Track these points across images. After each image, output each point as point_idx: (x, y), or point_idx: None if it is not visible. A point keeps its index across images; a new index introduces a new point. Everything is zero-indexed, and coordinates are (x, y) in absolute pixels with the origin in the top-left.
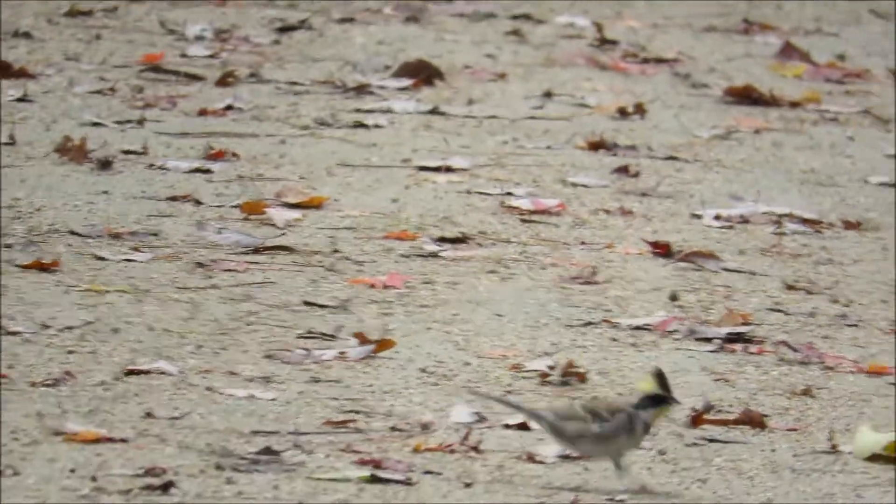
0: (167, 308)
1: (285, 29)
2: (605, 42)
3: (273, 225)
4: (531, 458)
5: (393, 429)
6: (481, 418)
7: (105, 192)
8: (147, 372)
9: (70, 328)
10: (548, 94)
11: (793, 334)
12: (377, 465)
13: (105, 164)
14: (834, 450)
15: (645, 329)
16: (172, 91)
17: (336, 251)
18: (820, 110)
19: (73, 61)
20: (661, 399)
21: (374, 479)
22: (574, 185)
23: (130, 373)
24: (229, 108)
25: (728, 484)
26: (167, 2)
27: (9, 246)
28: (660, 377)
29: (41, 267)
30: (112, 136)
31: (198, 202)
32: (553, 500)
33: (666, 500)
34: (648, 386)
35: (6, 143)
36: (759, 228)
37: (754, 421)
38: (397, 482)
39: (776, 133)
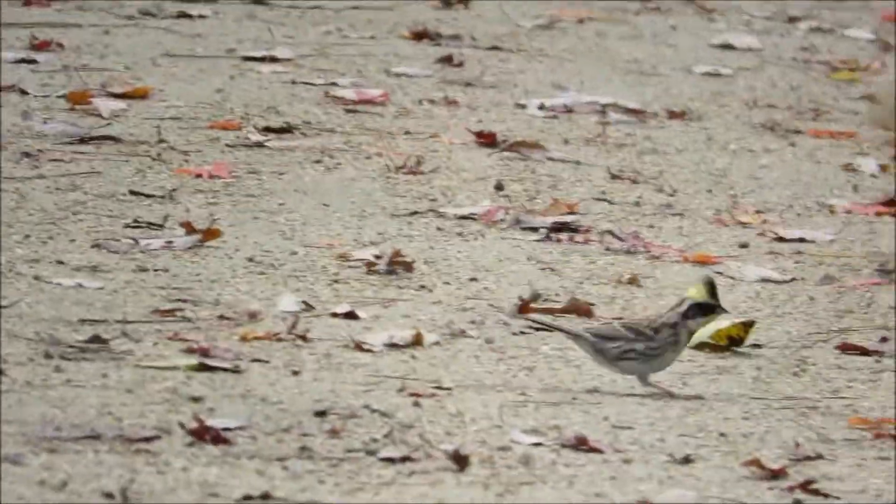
0: None
1: None
2: None
3: (98, 115)
4: (358, 347)
5: (220, 317)
6: (308, 307)
7: None
8: None
9: None
10: None
11: (618, 223)
12: (205, 353)
13: None
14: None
15: (471, 218)
16: None
17: (162, 141)
18: (643, 0)
19: None
20: (710, 307)
21: (202, 367)
22: (398, 75)
23: None
24: None
25: (555, 372)
26: None
27: None
28: (710, 285)
29: None
30: None
31: (23, 92)
32: (380, 388)
33: (492, 389)
34: (698, 293)
35: None
36: (583, 118)
37: (581, 310)
38: (225, 370)
39: (599, 23)
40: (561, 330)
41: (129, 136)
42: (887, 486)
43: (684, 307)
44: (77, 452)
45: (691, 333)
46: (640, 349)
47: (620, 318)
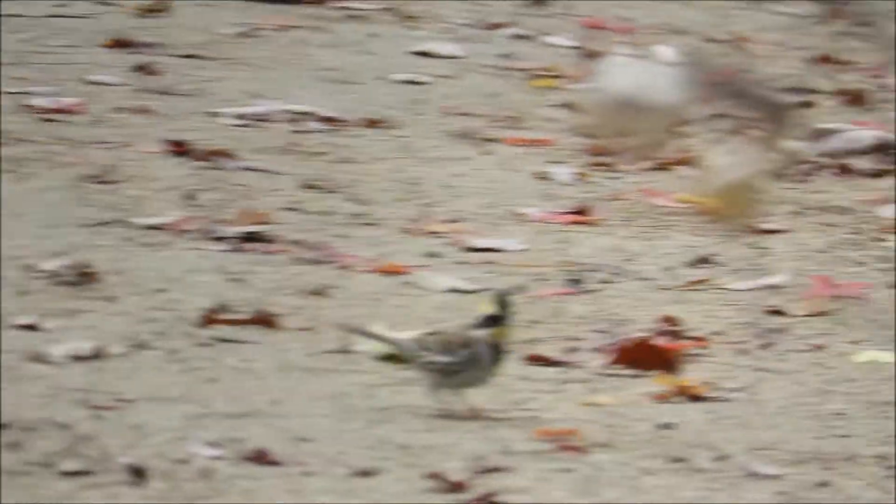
0: None
1: None
2: None
3: None
4: (40, 359)
5: None
6: None
7: None
8: None
9: None
10: None
11: (309, 233)
12: None
13: None
14: (346, 349)
15: (160, 228)
16: None
17: None
18: (344, 7)
19: None
20: (496, 319)
21: None
22: (95, 83)
23: None
24: None
25: (238, 384)
26: None
27: None
28: (500, 298)
29: None
30: None
31: None
32: (61, 400)
33: (175, 400)
34: (488, 306)
35: None
36: (279, 127)
37: (266, 320)
38: None
39: (300, 31)
40: (384, 339)
41: None
42: (569, 497)
43: (475, 320)
44: None
45: (500, 351)
46: (439, 363)
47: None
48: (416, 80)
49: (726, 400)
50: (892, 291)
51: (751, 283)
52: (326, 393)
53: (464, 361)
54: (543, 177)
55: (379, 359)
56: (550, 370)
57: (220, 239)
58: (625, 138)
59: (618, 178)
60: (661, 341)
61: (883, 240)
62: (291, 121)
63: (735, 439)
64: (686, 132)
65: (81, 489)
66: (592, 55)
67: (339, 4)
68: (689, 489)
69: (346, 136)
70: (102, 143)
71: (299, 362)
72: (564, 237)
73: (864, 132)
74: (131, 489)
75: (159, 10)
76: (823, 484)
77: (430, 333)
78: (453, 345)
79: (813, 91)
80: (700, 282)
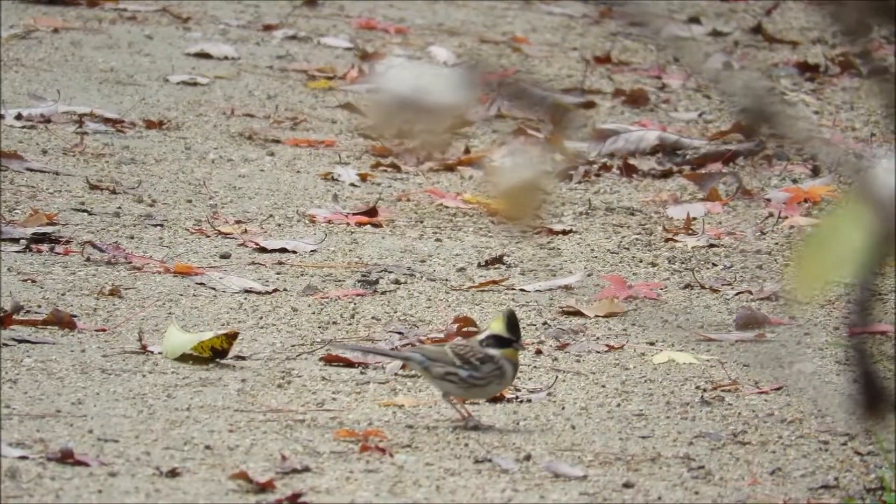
0: None
1: None
2: None
3: None
4: None
5: None
6: None
7: None
8: None
9: None
10: None
11: (99, 234)
12: None
13: None
14: (143, 350)
15: None
16: None
17: None
18: (118, 9)
19: None
20: (506, 341)
21: None
22: None
23: None
24: None
25: (38, 385)
26: None
27: None
28: (509, 319)
29: None
30: None
31: None
32: None
33: None
34: (497, 326)
35: None
36: (61, 128)
37: (63, 321)
38: None
39: (75, 32)
40: (389, 355)
41: None
42: (375, 498)
43: (483, 336)
44: None
45: (516, 366)
46: (462, 376)
47: (452, 342)
48: (194, 81)
49: (527, 401)
50: (686, 292)
51: (544, 284)
52: (126, 394)
53: (489, 375)
54: (329, 178)
55: (176, 359)
56: (349, 371)
57: (10, 240)
58: (406, 139)
59: (403, 179)
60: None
61: (674, 240)
62: (73, 122)
63: (537, 440)
64: (468, 133)
65: None
66: (367, 56)
67: (113, 6)
68: (494, 490)
69: (129, 137)
70: None
71: (98, 363)
72: (354, 238)
73: (646, 132)
74: None
75: None
76: (628, 485)
77: (440, 346)
78: (475, 360)
79: (592, 91)
80: (493, 283)
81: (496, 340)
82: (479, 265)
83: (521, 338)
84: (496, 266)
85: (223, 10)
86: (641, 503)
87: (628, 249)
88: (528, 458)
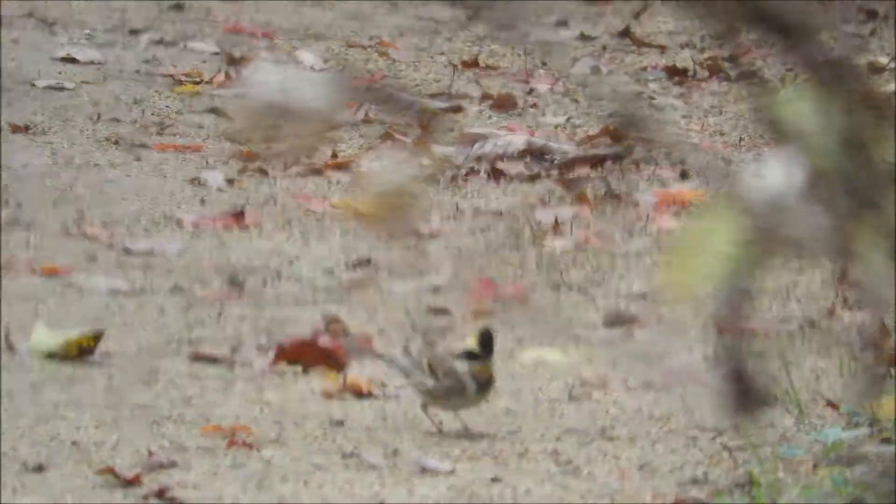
0: None
1: None
2: None
3: None
4: None
5: None
6: None
7: None
8: None
9: None
10: None
11: None
12: None
13: None
14: (10, 348)
15: None
16: None
17: None
18: None
19: None
20: (475, 355)
21: None
22: None
23: None
24: None
25: None
26: None
27: None
28: (484, 336)
29: None
30: None
31: None
32: None
33: None
34: (472, 342)
35: None
36: None
37: None
38: None
39: None
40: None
41: None
42: (243, 492)
43: (460, 350)
44: None
45: (486, 382)
46: (428, 387)
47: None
48: (60, 86)
49: (395, 397)
50: (554, 292)
51: (411, 285)
52: None
53: (449, 388)
54: (196, 182)
55: (43, 357)
56: (216, 368)
57: None
58: (273, 143)
59: (270, 183)
60: (325, 340)
61: (541, 243)
62: None
63: (405, 436)
64: (335, 138)
65: None
66: (234, 61)
67: None
68: (363, 485)
69: None
70: None
71: None
72: (221, 241)
73: (514, 137)
74: None
75: None
76: (496, 479)
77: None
78: (439, 371)
79: (460, 96)
80: (361, 283)
81: (467, 355)
82: (347, 266)
83: (492, 354)
84: (363, 267)
85: (89, 13)
86: (510, 498)
87: (496, 252)
88: (395, 453)
